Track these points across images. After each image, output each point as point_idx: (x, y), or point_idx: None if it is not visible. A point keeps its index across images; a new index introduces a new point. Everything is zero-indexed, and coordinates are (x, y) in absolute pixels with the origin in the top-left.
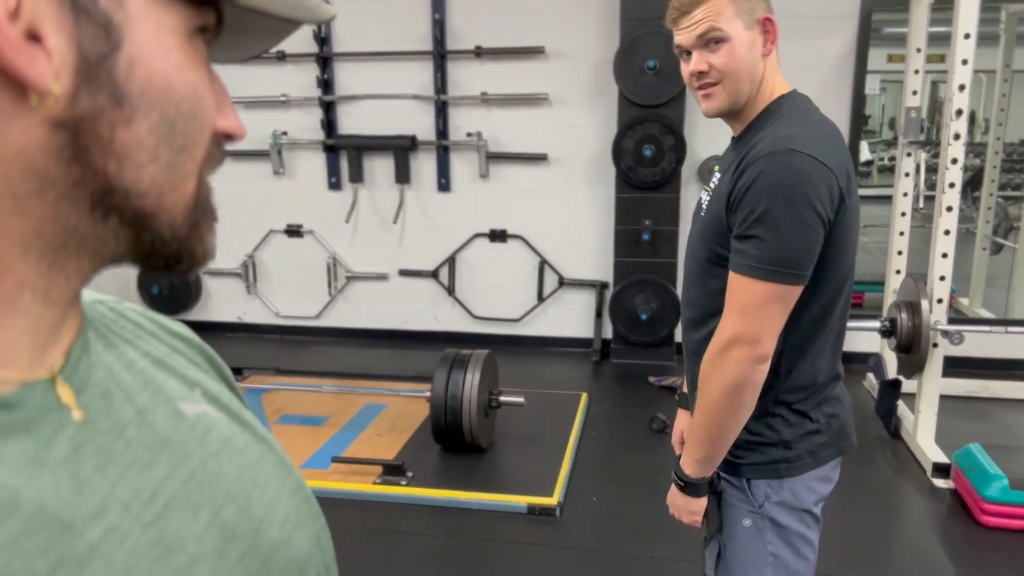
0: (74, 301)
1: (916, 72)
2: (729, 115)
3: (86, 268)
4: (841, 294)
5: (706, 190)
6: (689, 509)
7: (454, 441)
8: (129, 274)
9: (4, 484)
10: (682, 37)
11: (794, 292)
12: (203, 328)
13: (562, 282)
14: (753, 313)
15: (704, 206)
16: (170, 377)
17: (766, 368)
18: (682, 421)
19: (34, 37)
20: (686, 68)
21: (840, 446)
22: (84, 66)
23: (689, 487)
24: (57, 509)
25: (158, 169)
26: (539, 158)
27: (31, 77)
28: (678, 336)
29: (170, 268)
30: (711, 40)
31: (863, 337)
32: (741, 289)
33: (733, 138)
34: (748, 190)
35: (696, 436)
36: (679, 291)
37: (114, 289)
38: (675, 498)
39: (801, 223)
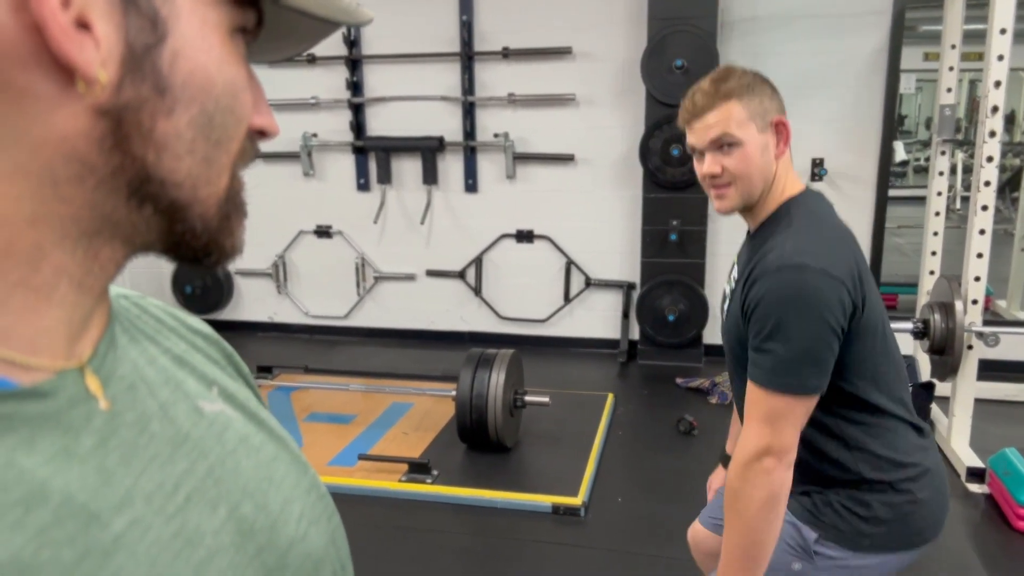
0: (105, 291)
1: (951, 69)
2: (743, 211)
3: (119, 256)
4: (886, 377)
5: (729, 284)
6: None
7: (479, 440)
8: (164, 273)
9: (34, 474)
10: (695, 139)
11: (812, 400)
12: (234, 327)
13: (589, 283)
14: (776, 423)
15: (727, 302)
16: (189, 375)
17: (791, 471)
18: (720, 477)
19: (83, 25)
20: (699, 167)
21: (928, 535)
22: (130, 56)
23: None
24: (84, 500)
25: (194, 161)
26: (566, 158)
27: (80, 64)
28: (706, 337)
29: (199, 260)
30: (724, 144)
31: (896, 339)
32: (762, 400)
33: (748, 234)
34: (759, 304)
35: (735, 558)
36: (707, 292)
37: (149, 287)
38: None
39: (813, 337)
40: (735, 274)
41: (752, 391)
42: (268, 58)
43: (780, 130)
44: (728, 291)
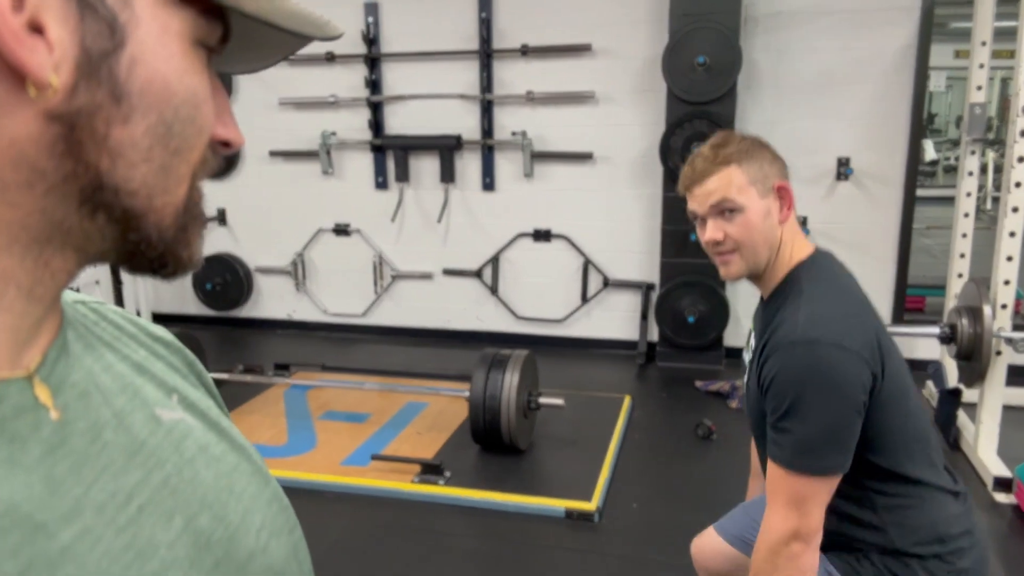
0: (56, 299)
1: (981, 67)
2: (751, 279)
3: (71, 265)
4: (915, 445)
5: (746, 351)
6: None
7: (492, 442)
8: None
9: None
10: (696, 205)
11: (836, 479)
12: (253, 325)
13: (607, 283)
14: (802, 506)
15: (747, 374)
16: (148, 382)
17: (818, 553)
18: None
19: (37, 28)
20: (702, 234)
21: None
22: (85, 61)
23: None
24: (30, 509)
25: (150, 170)
26: (584, 157)
27: (30, 67)
28: (727, 340)
29: (154, 271)
30: (725, 209)
31: (922, 343)
32: (784, 482)
33: (761, 299)
34: (773, 381)
35: None
36: (728, 293)
37: (171, 287)
38: None
39: (832, 415)
40: (752, 343)
41: (773, 471)
42: (239, 69)
43: (783, 195)
44: (746, 361)
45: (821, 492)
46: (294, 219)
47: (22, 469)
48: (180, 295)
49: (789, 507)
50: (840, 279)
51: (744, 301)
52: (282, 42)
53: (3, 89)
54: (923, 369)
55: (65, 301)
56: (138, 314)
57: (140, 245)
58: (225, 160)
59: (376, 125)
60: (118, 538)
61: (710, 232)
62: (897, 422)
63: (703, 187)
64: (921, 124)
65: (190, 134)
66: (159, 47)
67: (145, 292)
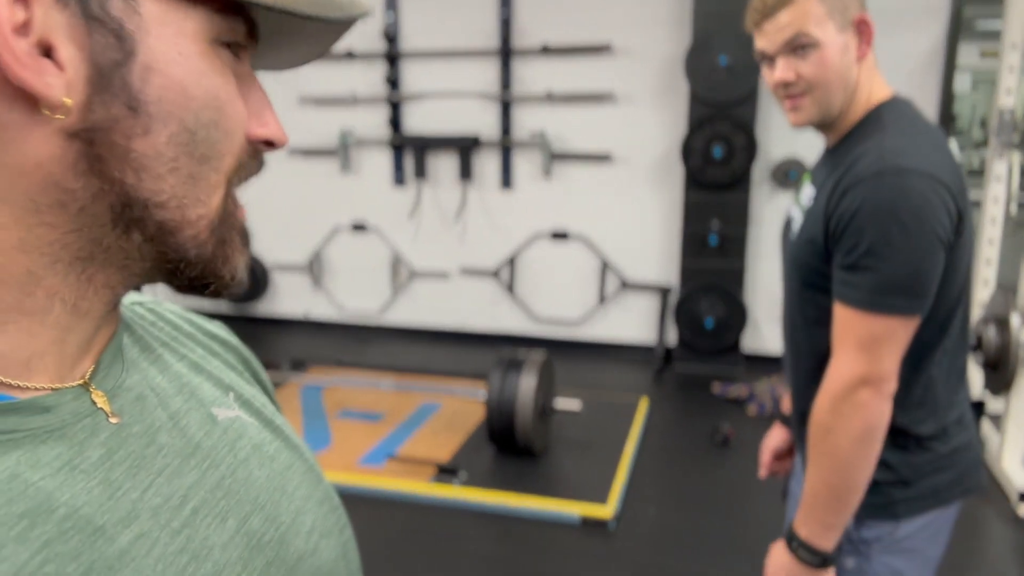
0: (105, 318)
1: (1011, 70)
2: (820, 126)
3: (115, 282)
4: (954, 318)
5: (797, 206)
6: None
7: (508, 444)
8: None
9: (39, 487)
10: (765, 42)
11: (915, 322)
12: (270, 322)
13: (624, 284)
14: (875, 350)
15: (796, 226)
16: (205, 380)
17: (890, 404)
18: (777, 436)
19: (46, 49)
20: (770, 75)
21: (967, 485)
22: (97, 76)
23: (820, 559)
24: (90, 513)
25: (178, 180)
26: (603, 157)
27: (40, 90)
28: (745, 344)
29: (197, 291)
30: (799, 46)
31: None
32: (857, 324)
33: (827, 149)
34: (855, 215)
35: (824, 499)
36: (747, 298)
37: None
38: (794, 571)
39: (919, 249)
40: (808, 192)
41: (844, 315)
42: (280, 65)
43: (862, 29)
44: (798, 212)
45: (898, 335)
46: (312, 216)
47: (82, 473)
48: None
49: (859, 351)
50: (925, 120)
51: (764, 305)
52: (316, 32)
53: (21, 112)
54: None
55: (123, 303)
56: None
57: (180, 264)
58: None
59: (395, 123)
60: (173, 541)
61: (780, 72)
62: (950, 282)
63: (775, 21)
64: (948, 126)
65: (216, 139)
66: (173, 51)
67: (164, 288)
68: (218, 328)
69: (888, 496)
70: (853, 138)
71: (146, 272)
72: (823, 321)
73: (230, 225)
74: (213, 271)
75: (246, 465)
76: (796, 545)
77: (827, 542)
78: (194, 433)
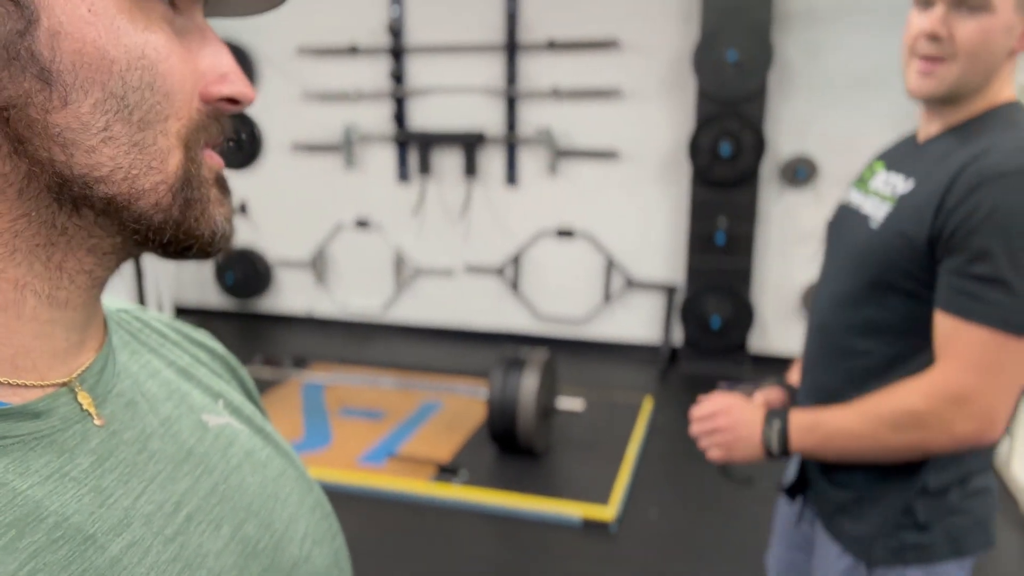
0: (91, 306)
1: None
2: (937, 102)
3: (89, 265)
4: None
5: (865, 193)
6: (742, 449)
7: (509, 444)
8: (206, 264)
9: (28, 496)
10: None
11: None
12: (272, 319)
13: (630, 283)
14: (995, 376)
15: (871, 215)
16: (194, 387)
17: (972, 457)
18: (772, 394)
19: None
20: (918, 21)
21: (985, 538)
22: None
23: (777, 450)
24: (80, 522)
25: (118, 150)
26: (610, 154)
27: None
28: (751, 344)
29: (180, 255)
30: (970, 6)
31: None
32: (982, 344)
33: (924, 136)
34: (990, 216)
35: (838, 439)
36: (753, 297)
37: (192, 278)
38: (741, 431)
39: None
40: (885, 179)
41: (965, 331)
42: (241, 11)
43: None
44: (870, 201)
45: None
46: (315, 212)
47: (72, 481)
48: (201, 288)
49: (978, 372)
50: None
51: (771, 304)
52: None
53: None
54: None
55: (109, 309)
56: (159, 308)
57: (148, 232)
58: (246, 149)
59: (399, 118)
60: (166, 549)
61: (932, 21)
62: None
63: None
64: None
65: (155, 102)
66: (83, 11)
67: (168, 284)
68: (204, 336)
69: (900, 541)
70: (970, 130)
71: (118, 247)
72: (894, 328)
73: (197, 185)
74: (188, 232)
75: (239, 471)
76: (775, 421)
77: (797, 447)
78: (186, 439)
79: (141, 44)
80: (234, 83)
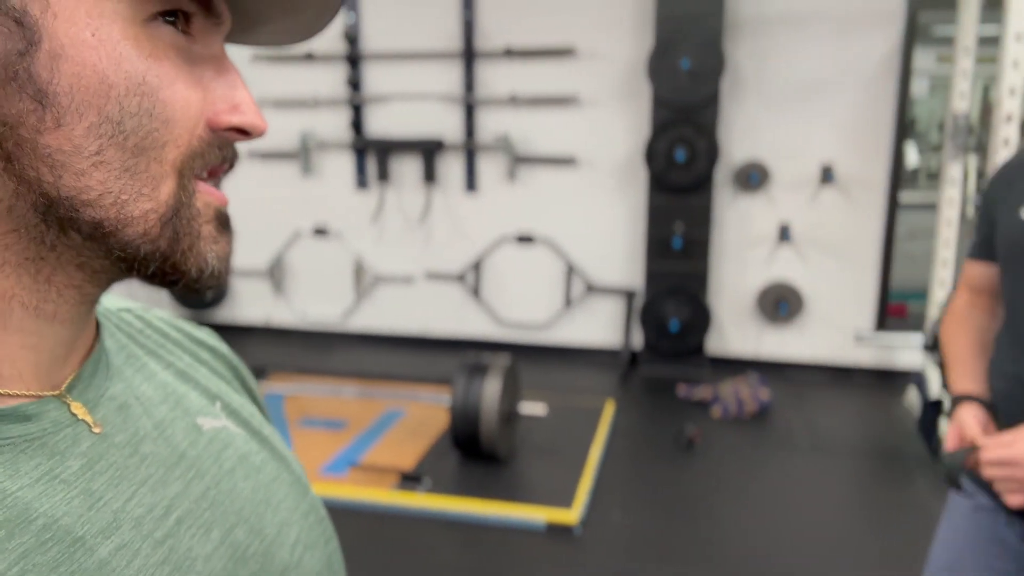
0: (80, 321)
1: (964, 74)
2: None
3: (79, 281)
4: None
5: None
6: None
7: (473, 450)
8: None
9: (17, 497)
10: None
11: None
12: (230, 329)
13: (590, 288)
14: None
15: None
16: (192, 389)
17: None
18: (981, 415)
19: None
20: None
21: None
22: None
23: None
24: (69, 524)
25: (109, 175)
26: (568, 160)
27: None
28: (709, 347)
29: (166, 286)
30: None
31: (906, 351)
32: None
33: None
34: None
35: None
36: (710, 300)
37: (146, 287)
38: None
39: None
40: None
41: None
42: (281, 40)
43: None
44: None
45: None
46: (272, 220)
47: (61, 483)
48: (153, 294)
49: None
50: None
51: (727, 307)
52: (285, 5)
53: None
54: (907, 378)
55: (110, 309)
56: None
57: (134, 262)
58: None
59: (357, 125)
60: (155, 552)
61: None
62: None
63: None
64: (904, 130)
65: (152, 128)
66: (85, 34)
67: (118, 291)
68: (207, 335)
69: None
70: None
71: (107, 269)
72: None
73: (188, 217)
74: (175, 266)
75: (232, 476)
76: None
77: None
78: (179, 442)
79: (143, 71)
80: (245, 114)
